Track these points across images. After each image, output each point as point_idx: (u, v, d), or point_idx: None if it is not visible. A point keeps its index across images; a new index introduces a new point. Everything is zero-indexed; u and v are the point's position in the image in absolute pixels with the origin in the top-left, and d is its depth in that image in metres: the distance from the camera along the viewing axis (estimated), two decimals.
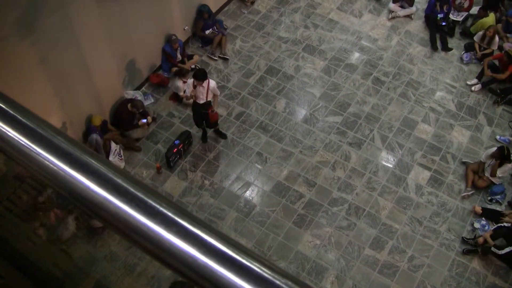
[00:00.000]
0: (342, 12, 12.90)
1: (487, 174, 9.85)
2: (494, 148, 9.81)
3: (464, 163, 10.28)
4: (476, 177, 9.95)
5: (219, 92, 9.79)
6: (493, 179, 9.83)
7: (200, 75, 9.07)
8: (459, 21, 12.69)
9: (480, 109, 11.21)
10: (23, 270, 2.71)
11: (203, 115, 9.70)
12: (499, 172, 9.71)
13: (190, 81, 9.33)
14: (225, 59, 11.64)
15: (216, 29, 11.82)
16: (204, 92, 9.24)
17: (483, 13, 12.27)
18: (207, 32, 11.77)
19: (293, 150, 10.29)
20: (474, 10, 12.73)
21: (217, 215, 9.44)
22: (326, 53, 11.97)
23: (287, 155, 10.24)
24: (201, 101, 9.37)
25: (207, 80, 9.20)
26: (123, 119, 10.05)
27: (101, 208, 1.14)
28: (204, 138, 10.31)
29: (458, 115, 11.06)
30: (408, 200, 9.79)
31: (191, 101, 10.37)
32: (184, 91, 10.14)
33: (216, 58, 11.61)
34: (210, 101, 9.47)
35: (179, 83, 10.49)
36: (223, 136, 10.42)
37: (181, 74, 10.53)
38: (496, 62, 11.43)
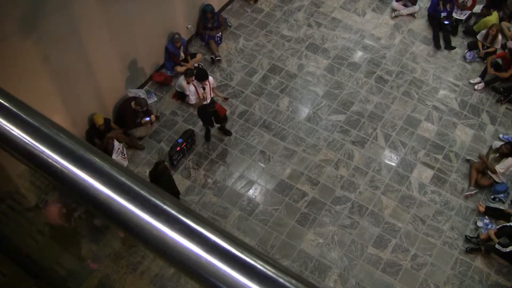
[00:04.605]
0: (345, 11, 12.89)
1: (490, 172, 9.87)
2: (500, 143, 9.87)
3: (467, 160, 10.27)
4: (480, 176, 9.94)
5: (216, 85, 9.95)
6: (494, 176, 9.82)
7: (203, 75, 9.09)
8: (462, 19, 12.68)
9: (483, 107, 11.19)
10: (25, 268, 2.71)
11: (212, 113, 9.73)
12: (499, 167, 9.68)
13: (192, 88, 9.31)
14: (218, 60, 11.61)
15: (217, 34, 11.80)
16: (208, 90, 9.28)
17: (486, 11, 12.24)
18: (207, 32, 11.77)
19: (296, 149, 10.29)
20: (477, 8, 12.71)
21: (220, 214, 9.44)
22: (329, 51, 11.96)
23: (290, 153, 10.24)
24: (208, 100, 9.40)
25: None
26: (126, 118, 10.06)
27: (105, 207, 1.14)
28: (207, 136, 10.32)
29: (461, 114, 11.05)
30: (411, 199, 9.78)
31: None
32: (188, 96, 10.19)
33: (217, 58, 11.58)
34: (213, 97, 9.51)
35: (183, 82, 10.48)
36: (229, 133, 10.43)
37: (191, 74, 10.52)
38: (499, 61, 11.41)
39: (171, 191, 8.86)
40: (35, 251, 3.05)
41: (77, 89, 9.14)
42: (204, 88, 9.22)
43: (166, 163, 9.16)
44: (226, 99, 10.28)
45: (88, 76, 9.26)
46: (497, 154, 9.78)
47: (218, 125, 10.31)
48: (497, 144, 10.05)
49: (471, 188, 9.89)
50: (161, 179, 8.55)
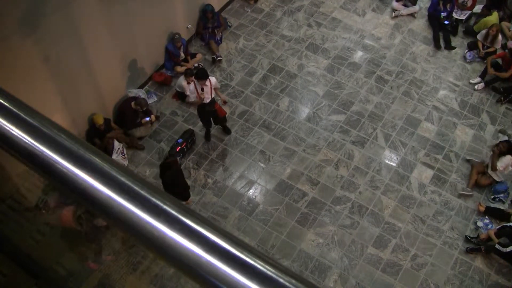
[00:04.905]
0: (345, 11, 12.89)
1: (489, 169, 9.86)
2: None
3: (468, 161, 10.26)
4: (480, 175, 9.94)
5: (219, 86, 9.89)
6: (494, 175, 9.81)
7: (203, 75, 9.09)
8: (462, 19, 12.68)
9: (483, 107, 11.19)
10: (25, 268, 2.71)
11: (211, 113, 9.73)
12: (499, 165, 9.69)
13: (192, 86, 9.34)
14: (219, 60, 11.62)
15: (216, 34, 11.80)
16: (208, 90, 9.28)
17: (486, 11, 12.24)
18: (205, 33, 11.79)
19: (296, 149, 10.29)
20: (477, 8, 12.71)
21: (220, 214, 9.44)
22: (329, 51, 11.96)
23: (290, 153, 10.24)
24: (207, 100, 9.40)
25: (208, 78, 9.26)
26: (127, 118, 10.06)
27: (105, 207, 1.14)
28: (207, 136, 10.32)
29: (461, 114, 11.05)
30: (411, 199, 9.78)
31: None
32: (188, 95, 10.22)
33: (218, 59, 11.58)
34: (213, 98, 9.51)
35: (183, 82, 10.49)
36: (228, 131, 10.42)
37: (191, 74, 10.54)
38: (499, 61, 11.41)
39: (177, 185, 8.79)
40: (35, 251, 3.05)
41: (77, 89, 9.14)
42: (202, 89, 9.23)
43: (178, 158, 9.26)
44: (225, 102, 10.26)
45: (88, 76, 9.26)
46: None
47: (216, 126, 10.32)
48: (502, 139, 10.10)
49: (468, 189, 9.89)
50: (168, 173, 8.57)
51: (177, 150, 9.82)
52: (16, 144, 1.24)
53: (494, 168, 9.73)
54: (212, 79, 9.36)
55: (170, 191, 8.69)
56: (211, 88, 9.31)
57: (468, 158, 10.30)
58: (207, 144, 10.33)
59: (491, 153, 9.90)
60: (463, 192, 9.85)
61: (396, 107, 11.04)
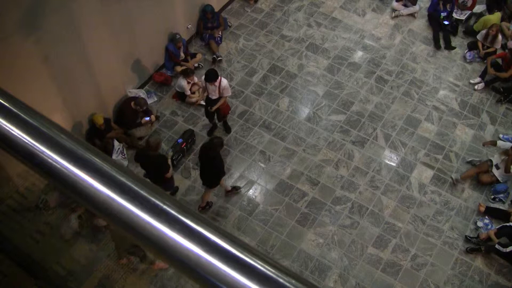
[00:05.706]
0: (345, 11, 12.89)
1: (495, 170, 9.84)
2: (508, 144, 9.84)
3: (469, 162, 10.25)
4: (482, 172, 9.92)
5: (229, 93, 9.63)
6: (497, 175, 9.79)
7: (211, 76, 9.06)
8: (462, 19, 12.68)
9: (483, 107, 11.19)
10: (26, 269, 2.71)
11: (215, 109, 9.73)
12: None
13: (203, 79, 9.35)
14: (219, 60, 11.61)
15: (216, 35, 11.79)
16: (216, 89, 9.27)
17: (490, 14, 12.33)
18: (205, 33, 11.79)
19: (296, 149, 10.29)
20: (477, 8, 12.72)
21: (220, 214, 9.44)
22: (329, 51, 11.96)
23: (290, 153, 10.23)
24: (214, 97, 9.40)
25: (219, 79, 9.21)
26: (126, 118, 10.05)
27: (105, 207, 1.14)
28: (210, 133, 10.28)
29: (461, 114, 11.05)
30: (411, 199, 9.78)
31: (194, 99, 10.52)
32: (188, 95, 10.32)
33: (219, 59, 11.57)
34: (220, 96, 9.49)
35: (183, 82, 10.50)
36: (228, 130, 10.42)
37: (187, 73, 10.53)
38: (500, 61, 11.41)
39: (212, 166, 8.61)
40: (36, 251, 3.06)
41: (77, 89, 9.14)
42: (206, 86, 9.28)
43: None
44: (211, 108, 10.03)
45: (88, 76, 9.26)
46: (506, 156, 9.74)
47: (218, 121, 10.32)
48: (502, 145, 10.03)
49: (461, 179, 9.87)
50: (209, 153, 8.28)
51: (177, 150, 9.82)
52: (16, 144, 1.24)
53: (507, 171, 9.70)
54: (224, 81, 9.29)
55: (205, 170, 8.69)
56: (219, 88, 9.28)
57: (468, 160, 10.29)
58: None
59: (504, 155, 9.82)
60: (455, 177, 9.86)
61: (396, 107, 11.04)
